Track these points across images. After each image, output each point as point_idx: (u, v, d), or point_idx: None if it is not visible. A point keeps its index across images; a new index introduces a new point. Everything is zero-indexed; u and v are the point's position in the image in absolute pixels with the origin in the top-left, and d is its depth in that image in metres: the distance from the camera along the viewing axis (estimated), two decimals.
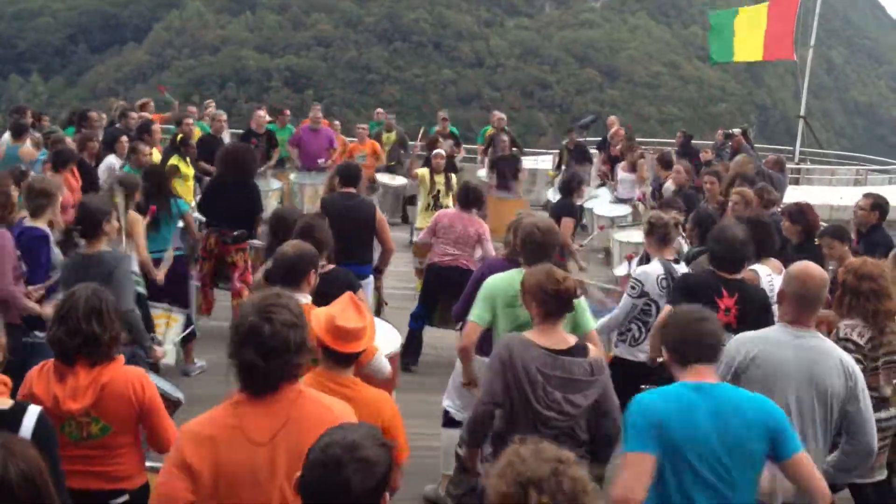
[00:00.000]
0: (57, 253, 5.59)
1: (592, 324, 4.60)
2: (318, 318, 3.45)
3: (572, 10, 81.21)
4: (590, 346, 3.94)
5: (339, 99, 62.61)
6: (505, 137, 13.26)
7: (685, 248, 6.85)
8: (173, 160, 9.44)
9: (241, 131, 13.40)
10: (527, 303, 3.92)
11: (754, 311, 4.70)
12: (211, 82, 63.77)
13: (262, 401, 2.75)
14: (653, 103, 70.29)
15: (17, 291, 5.12)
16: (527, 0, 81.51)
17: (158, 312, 6.30)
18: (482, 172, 14.16)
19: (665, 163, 11.25)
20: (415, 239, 9.90)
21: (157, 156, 9.96)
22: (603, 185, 13.17)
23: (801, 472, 3.15)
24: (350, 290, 4.30)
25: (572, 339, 3.87)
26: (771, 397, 3.45)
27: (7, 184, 5.42)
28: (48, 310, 4.70)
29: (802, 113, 20.18)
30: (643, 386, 5.07)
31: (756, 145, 13.90)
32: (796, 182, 18.00)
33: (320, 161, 12.59)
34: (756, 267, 5.42)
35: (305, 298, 4.15)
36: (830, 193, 17.81)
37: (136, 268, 6.27)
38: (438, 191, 10.46)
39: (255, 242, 8.63)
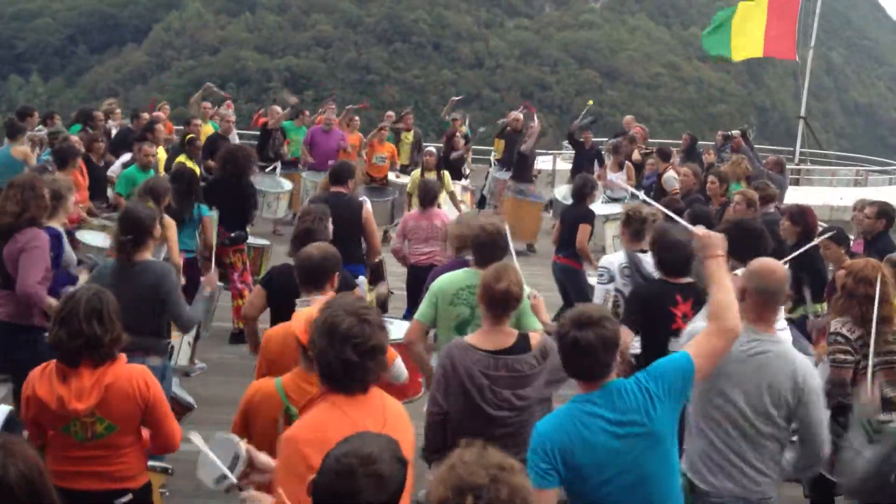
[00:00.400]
0: (69, 252, 5.60)
1: (536, 325, 4.50)
2: (298, 319, 3.45)
3: (572, 10, 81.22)
4: (532, 334, 3.94)
5: (338, 99, 62.56)
6: (536, 125, 13.35)
7: None
8: (180, 159, 9.45)
9: (245, 131, 13.42)
10: (480, 303, 3.96)
11: None
12: (210, 83, 63.73)
13: (357, 400, 2.86)
14: (652, 104, 70.27)
15: (42, 291, 5.12)
16: (526, 1, 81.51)
17: None
18: (493, 170, 14.12)
19: (664, 155, 11.26)
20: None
21: (162, 154, 9.97)
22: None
23: (703, 339, 3.24)
24: (347, 289, 4.33)
25: (513, 338, 3.87)
26: (726, 402, 3.53)
27: (41, 186, 5.43)
28: None
29: (802, 114, 20.19)
30: None
31: (756, 146, 13.88)
32: (796, 183, 17.99)
33: (331, 162, 12.60)
34: (740, 272, 5.39)
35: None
36: (830, 194, 17.83)
37: None
38: None
39: (254, 242, 8.65)
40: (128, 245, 4.83)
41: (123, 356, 3.55)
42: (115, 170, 9.39)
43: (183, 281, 6.52)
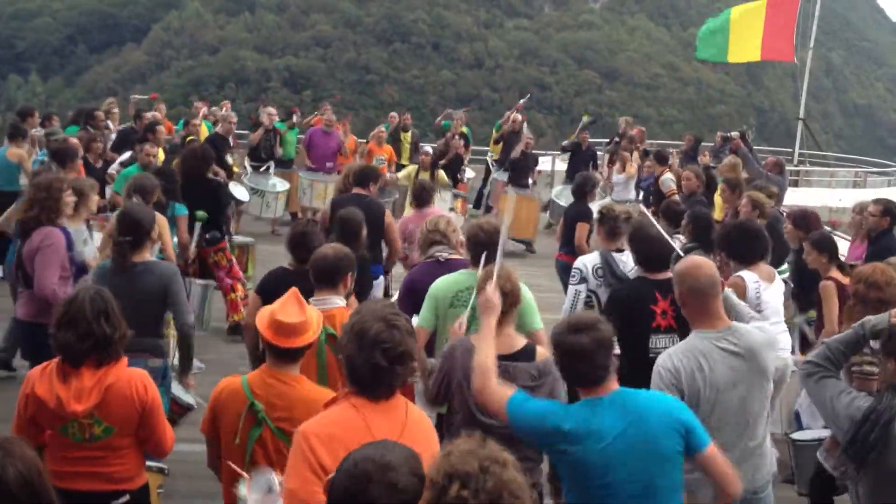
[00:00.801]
0: (77, 252, 5.62)
1: (538, 324, 4.52)
2: (262, 315, 3.46)
3: (571, 11, 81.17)
4: (539, 348, 3.91)
5: (338, 100, 62.57)
6: (530, 135, 13.42)
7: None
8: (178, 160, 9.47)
9: (244, 132, 13.44)
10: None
11: None
12: (210, 83, 63.63)
13: (379, 404, 2.86)
14: (651, 105, 70.25)
15: (60, 290, 5.13)
16: (526, 1, 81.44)
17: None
18: (499, 175, 14.15)
19: (661, 158, 11.26)
20: None
21: (161, 155, 9.99)
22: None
23: (714, 466, 3.15)
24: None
25: (521, 343, 3.85)
26: (717, 405, 3.57)
27: (59, 187, 5.46)
28: None
29: (802, 115, 20.20)
30: None
31: (755, 147, 13.87)
32: (795, 184, 17.99)
33: (329, 164, 12.63)
34: (743, 273, 5.38)
35: (341, 301, 4.20)
36: (829, 195, 17.84)
37: None
38: None
39: (239, 240, 8.70)
40: (126, 246, 4.82)
41: (125, 358, 3.55)
42: (114, 169, 9.40)
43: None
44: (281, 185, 12.18)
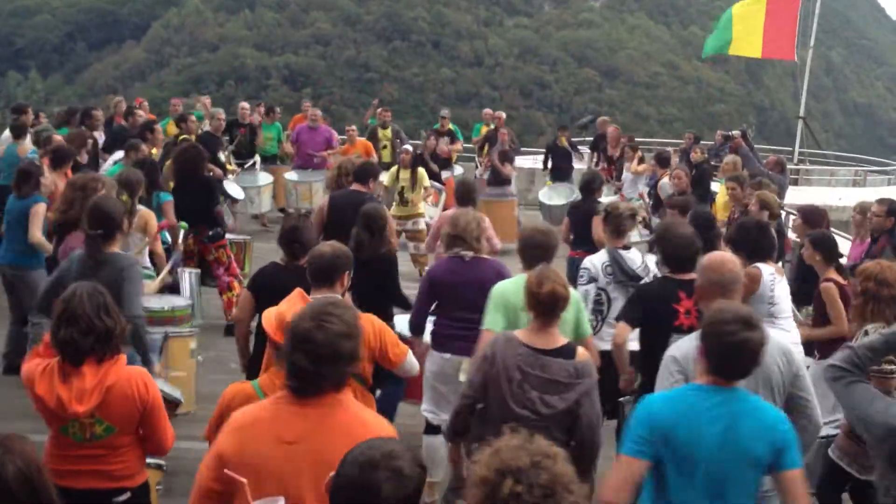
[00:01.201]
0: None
1: (589, 330, 4.61)
2: (269, 317, 3.45)
3: (571, 9, 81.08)
4: (580, 349, 3.93)
5: (337, 97, 62.50)
6: (504, 131, 13.43)
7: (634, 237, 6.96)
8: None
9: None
10: (525, 302, 3.95)
11: None
12: (209, 80, 63.58)
13: (301, 402, 2.81)
14: (651, 103, 70.20)
15: None
16: None
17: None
18: (479, 171, 14.24)
19: (662, 161, 11.26)
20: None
21: (157, 155, 9.97)
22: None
23: (793, 489, 3.14)
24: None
25: (562, 341, 3.88)
26: None
27: (94, 185, 5.49)
28: None
29: (802, 114, 20.20)
30: (621, 399, 5.07)
31: (755, 146, 13.89)
32: (795, 183, 17.98)
33: (316, 159, 12.59)
34: (759, 264, 5.42)
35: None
36: (829, 194, 17.82)
37: (147, 262, 6.36)
38: (403, 186, 10.77)
39: (231, 237, 8.74)
40: (98, 240, 4.84)
41: (123, 356, 3.54)
42: (106, 168, 9.34)
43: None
44: (263, 178, 12.19)
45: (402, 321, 5.92)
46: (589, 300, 5.56)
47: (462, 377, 4.87)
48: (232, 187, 11.25)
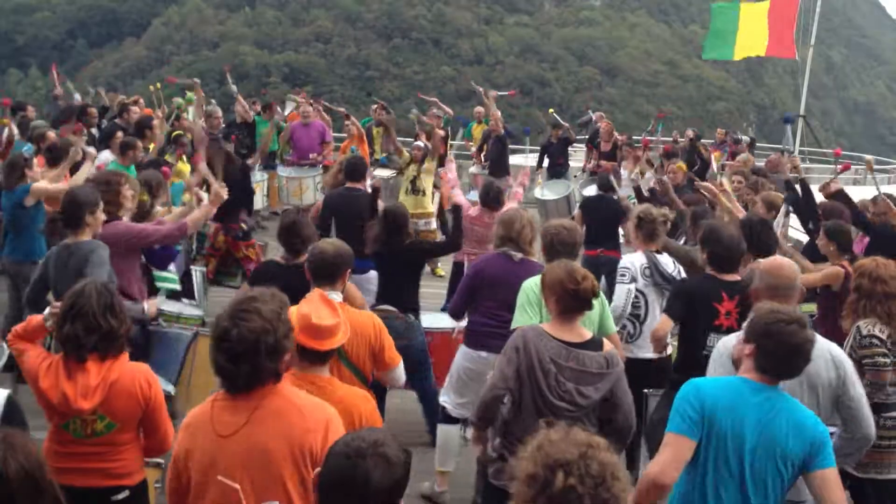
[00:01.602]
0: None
1: (614, 328, 4.69)
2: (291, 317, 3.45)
3: (572, 7, 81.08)
4: (605, 340, 3.98)
5: (338, 95, 62.50)
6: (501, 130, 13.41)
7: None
8: (168, 156, 9.43)
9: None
10: (546, 297, 3.96)
11: None
12: (210, 78, 63.47)
13: (235, 397, 2.87)
14: (651, 101, 70.12)
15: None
16: None
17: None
18: (473, 169, 14.25)
19: (668, 155, 11.31)
20: None
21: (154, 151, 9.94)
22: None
23: (826, 488, 3.16)
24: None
25: (588, 334, 3.91)
26: None
27: (118, 180, 5.52)
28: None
29: (802, 112, 20.16)
30: (647, 391, 5.09)
31: (756, 145, 13.93)
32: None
33: (312, 155, 12.57)
34: (761, 261, 5.45)
35: (338, 296, 4.20)
36: None
37: (172, 268, 6.41)
38: (415, 176, 10.75)
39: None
40: (57, 223, 4.92)
41: (126, 353, 3.54)
42: (100, 162, 9.27)
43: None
44: (257, 176, 12.20)
45: (429, 319, 5.98)
46: (629, 300, 5.60)
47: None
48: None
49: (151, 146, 9.46)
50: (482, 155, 14.09)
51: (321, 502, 2.31)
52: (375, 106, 14.35)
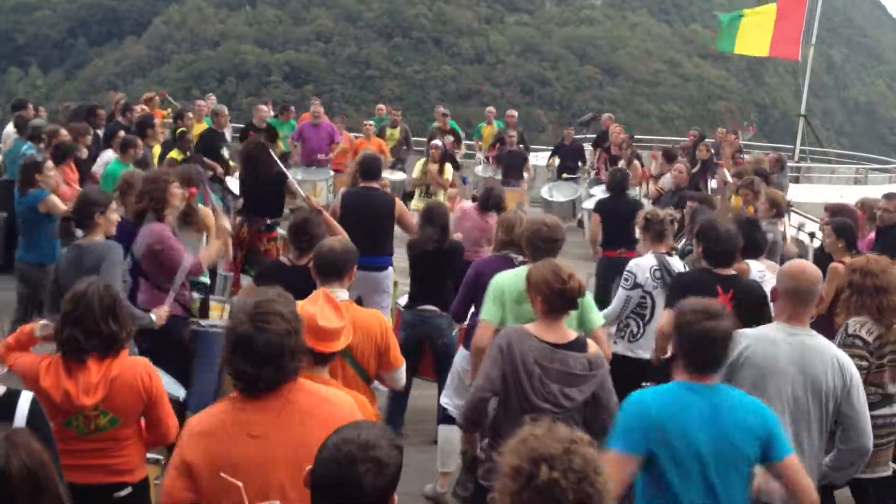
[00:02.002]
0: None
1: (599, 321, 4.64)
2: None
3: (573, 6, 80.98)
4: (590, 341, 3.96)
5: (338, 94, 62.45)
6: (513, 133, 13.47)
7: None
8: (172, 154, 9.45)
9: (241, 125, 13.39)
10: (531, 297, 3.95)
11: (751, 307, 4.71)
12: (210, 77, 63.58)
13: (257, 397, 2.78)
14: (652, 101, 70.12)
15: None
16: None
17: (214, 304, 6.91)
18: (479, 169, 14.25)
19: (669, 156, 11.35)
20: None
21: (156, 150, 9.97)
22: (600, 182, 13.23)
23: (791, 476, 3.17)
24: None
25: (572, 335, 3.90)
26: (764, 396, 3.47)
27: (166, 178, 5.47)
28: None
29: (803, 111, 20.18)
30: (645, 383, 5.10)
31: (756, 143, 13.94)
32: (796, 180, 18.02)
33: (319, 156, 12.59)
34: (749, 261, 5.48)
35: (344, 294, 4.21)
36: (830, 192, 17.83)
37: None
38: (427, 185, 10.88)
39: (280, 231, 8.73)
40: (70, 224, 4.94)
41: (126, 349, 3.55)
42: (98, 168, 9.22)
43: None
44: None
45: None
46: (629, 306, 5.60)
47: None
48: (234, 184, 11.23)
49: (155, 146, 9.47)
50: (490, 157, 14.11)
51: (314, 503, 2.29)
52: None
